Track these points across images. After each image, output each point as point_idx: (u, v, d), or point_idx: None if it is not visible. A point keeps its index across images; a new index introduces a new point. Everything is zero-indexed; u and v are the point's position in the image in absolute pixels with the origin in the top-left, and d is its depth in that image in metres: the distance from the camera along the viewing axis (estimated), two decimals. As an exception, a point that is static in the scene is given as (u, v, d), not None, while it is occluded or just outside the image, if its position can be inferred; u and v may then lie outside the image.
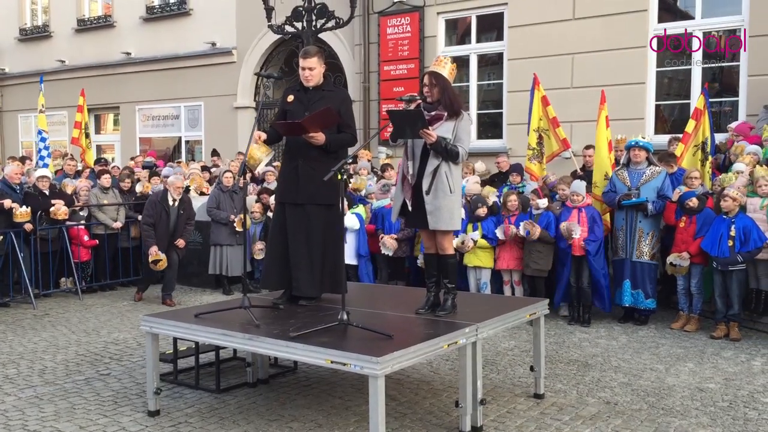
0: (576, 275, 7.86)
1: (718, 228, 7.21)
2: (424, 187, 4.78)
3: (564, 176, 8.80)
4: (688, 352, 6.72)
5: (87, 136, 13.61)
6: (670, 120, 11.00)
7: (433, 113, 4.83)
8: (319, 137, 5.11)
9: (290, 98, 5.41)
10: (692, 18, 10.43)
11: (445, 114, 4.82)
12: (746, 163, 7.91)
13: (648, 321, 7.86)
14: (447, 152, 4.75)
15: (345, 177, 4.82)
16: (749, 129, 8.95)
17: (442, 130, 4.77)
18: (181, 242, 8.97)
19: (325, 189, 5.11)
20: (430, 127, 4.66)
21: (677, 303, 7.82)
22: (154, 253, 8.86)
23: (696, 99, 10.15)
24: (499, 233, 8.12)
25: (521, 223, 8.01)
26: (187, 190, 10.78)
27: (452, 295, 5.03)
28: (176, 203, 9.01)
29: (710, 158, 8.38)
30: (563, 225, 7.75)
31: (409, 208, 4.89)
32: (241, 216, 9.72)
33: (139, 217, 9.93)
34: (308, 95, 5.32)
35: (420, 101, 4.91)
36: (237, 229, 9.77)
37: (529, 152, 9.35)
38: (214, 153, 13.90)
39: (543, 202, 8.12)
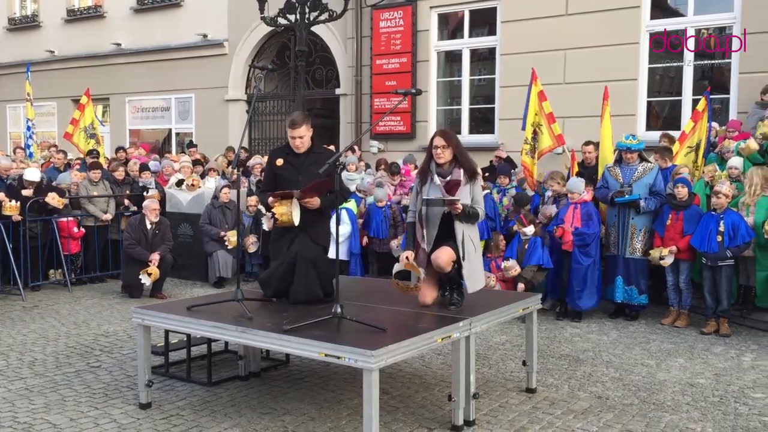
0: (567, 271, 7.87)
1: (707, 224, 7.25)
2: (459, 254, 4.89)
3: (554, 171, 8.79)
4: (679, 348, 6.76)
5: (93, 136, 12.93)
6: (662, 116, 11.04)
7: (449, 179, 4.89)
8: (315, 202, 5.13)
9: (279, 162, 5.36)
10: (684, 15, 10.46)
11: (462, 180, 4.88)
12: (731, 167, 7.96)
13: (639, 316, 7.90)
14: (469, 217, 4.87)
15: (340, 170, 4.83)
16: (740, 125, 8.98)
17: (462, 195, 4.85)
18: (155, 256, 8.97)
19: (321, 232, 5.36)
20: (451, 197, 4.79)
21: (667, 299, 7.86)
22: (155, 260, 8.90)
23: (688, 96, 10.25)
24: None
25: (503, 265, 8.00)
26: (180, 183, 10.74)
27: (457, 288, 5.08)
28: (153, 226, 9.22)
29: (702, 160, 8.39)
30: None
31: (421, 277, 4.93)
32: (229, 235, 9.75)
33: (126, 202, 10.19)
34: (299, 159, 5.31)
35: (416, 92, 5.01)
36: (228, 247, 9.81)
37: (526, 146, 9.34)
38: (191, 145, 13.65)
39: (529, 230, 8.06)
